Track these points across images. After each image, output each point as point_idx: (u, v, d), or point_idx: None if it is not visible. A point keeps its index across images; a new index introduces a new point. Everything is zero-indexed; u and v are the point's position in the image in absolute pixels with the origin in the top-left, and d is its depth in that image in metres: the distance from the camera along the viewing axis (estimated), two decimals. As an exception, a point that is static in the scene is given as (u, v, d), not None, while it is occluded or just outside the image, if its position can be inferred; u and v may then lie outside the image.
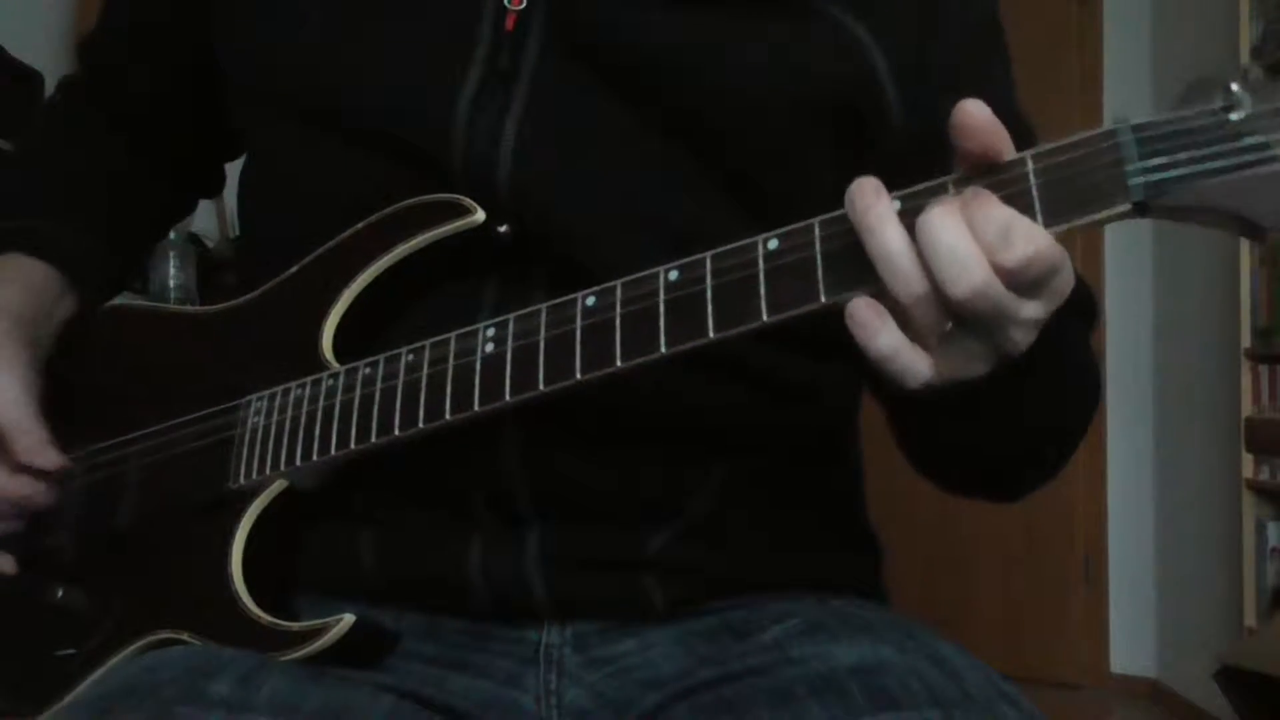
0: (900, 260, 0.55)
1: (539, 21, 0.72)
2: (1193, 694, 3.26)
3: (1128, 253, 3.68)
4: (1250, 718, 2.05)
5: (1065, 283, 0.57)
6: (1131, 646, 3.73)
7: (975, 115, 0.56)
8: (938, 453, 0.74)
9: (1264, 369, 2.87)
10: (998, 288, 0.54)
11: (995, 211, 0.54)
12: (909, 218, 0.56)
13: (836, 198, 0.60)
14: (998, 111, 0.57)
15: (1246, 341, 2.91)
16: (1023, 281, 0.54)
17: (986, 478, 0.76)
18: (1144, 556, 3.71)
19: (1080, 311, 0.70)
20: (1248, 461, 2.88)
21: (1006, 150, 0.57)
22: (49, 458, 0.81)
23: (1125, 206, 0.54)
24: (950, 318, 0.56)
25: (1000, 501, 0.79)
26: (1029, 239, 0.54)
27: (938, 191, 0.57)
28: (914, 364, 0.57)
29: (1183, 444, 3.46)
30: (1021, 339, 0.57)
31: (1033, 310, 0.56)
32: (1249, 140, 0.52)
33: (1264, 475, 2.84)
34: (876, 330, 0.57)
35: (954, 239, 0.54)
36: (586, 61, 0.71)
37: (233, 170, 0.93)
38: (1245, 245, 2.89)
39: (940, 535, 3.65)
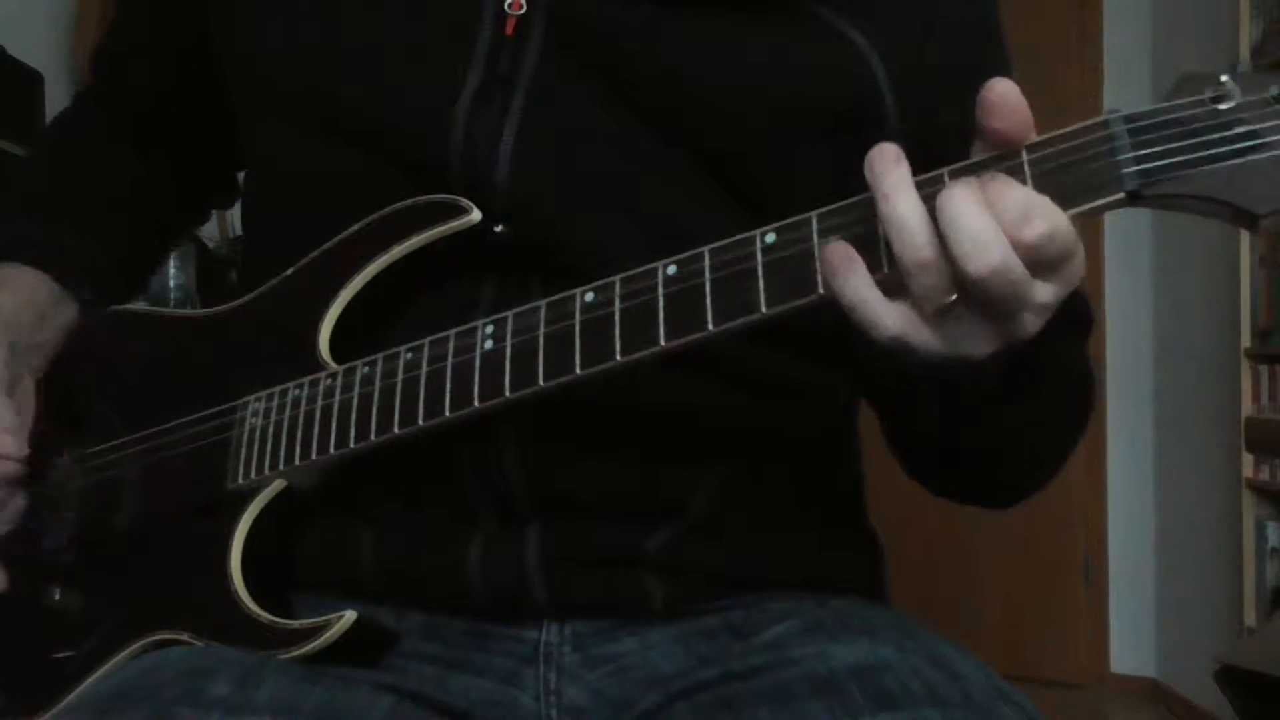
0: (913, 226, 0.55)
1: (539, 25, 0.72)
2: (1193, 694, 3.26)
3: (1127, 253, 3.68)
4: (1250, 718, 2.05)
5: (1078, 268, 0.56)
6: (1131, 646, 3.73)
7: (1007, 94, 0.56)
8: (930, 453, 0.75)
9: (1264, 369, 2.87)
10: (1016, 266, 0.54)
11: (1014, 191, 0.54)
12: (925, 200, 0.56)
13: (835, 199, 0.60)
14: None
15: (1246, 341, 2.91)
16: (1041, 260, 0.54)
17: (977, 481, 0.76)
18: (1144, 556, 3.71)
19: (1076, 321, 0.70)
20: (1248, 461, 2.88)
21: (1031, 132, 0.57)
22: (5, 443, 0.80)
23: (1118, 195, 0.55)
24: (959, 293, 0.55)
25: (991, 508, 0.79)
26: (1047, 216, 0.54)
27: (935, 182, 0.57)
28: (881, 317, 0.56)
29: (1183, 444, 3.46)
30: (1031, 324, 0.56)
31: (1046, 294, 0.55)
32: (1238, 129, 0.53)
33: (1264, 475, 2.84)
34: (845, 275, 0.56)
35: (974, 217, 0.54)
36: (586, 65, 0.71)
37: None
38: (1245, 245, 2.89)
39: (940, 535, 3.64)
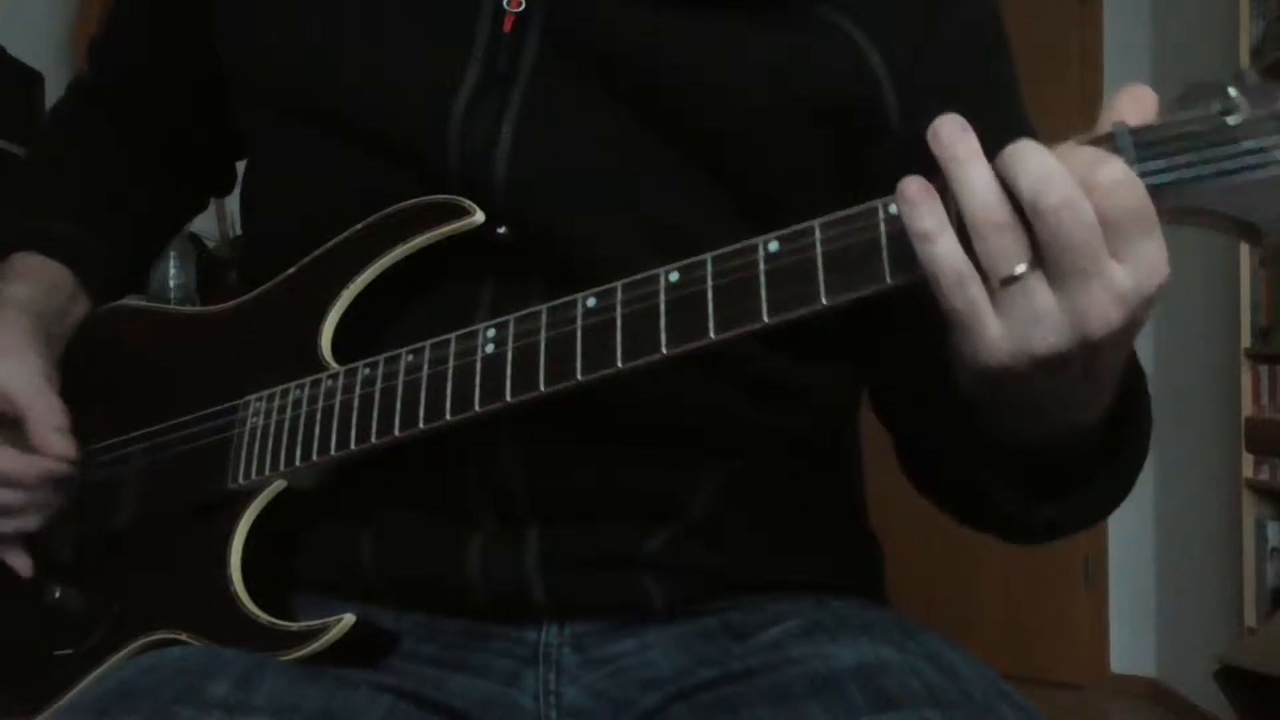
0: (985, 185, 0.53)
1: (537, 23, 0.72)
2: (1193, 694, 3.26)
3: (1128, 253, 3.68)
4: (1250, 718, 2.05)
5: (1156, 258, 0.53)
6: (1131, 646, 3.73)
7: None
8: (955, 484, 0.72)
9: (1264, 369, 2.87)
10: (1086, 209, 0.51)
11: (1084, 149, 0.53)
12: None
13: (836, 199, 0.60)
14: (998, 122, 0.57)
15: (1246, 341, 2.91)
16: (1113, 215, 0.52)
17: (998, 521, 0.72)
18: (1144, 556, 3.71)
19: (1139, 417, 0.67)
20: (1248, 461, 2.88)
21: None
22: (60, 444, 0.80)
23: None
24: (1032, 255, 0.53)
25: (1005, 539, 0.74)
26: (1118, 165, 0.52)
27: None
28: (949, 256, 0.54)
29: (1183, 444, 3.45)
30: (1104, 311, 0.52)
31: (1119, 275, 0.52)
32: (1246, 144, 0.52)
33: (1264, 475, 2.84)
34: (924, 212, 0.54)
35: (1042, 159, 0.52)
36: (584, 63, 0.71)
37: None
38: (1245, 246, 2.89)
39: (940, 536, 3.62)
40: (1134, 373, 0.63)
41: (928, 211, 0.54)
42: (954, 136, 0.55)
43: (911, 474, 0.76)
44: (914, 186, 0.55)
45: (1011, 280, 0.53)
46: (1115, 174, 0.52)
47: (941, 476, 0.74)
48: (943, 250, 0.54)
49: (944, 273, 0.54)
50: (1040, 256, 0.53)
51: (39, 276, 0.86)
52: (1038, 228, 0.52)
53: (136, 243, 0.96)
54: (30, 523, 0.82)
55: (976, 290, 0.54)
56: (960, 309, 0.54)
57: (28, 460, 0.80)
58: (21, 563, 0.82)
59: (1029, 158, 0.53)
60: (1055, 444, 0.62)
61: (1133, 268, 0.53)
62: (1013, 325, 0.54)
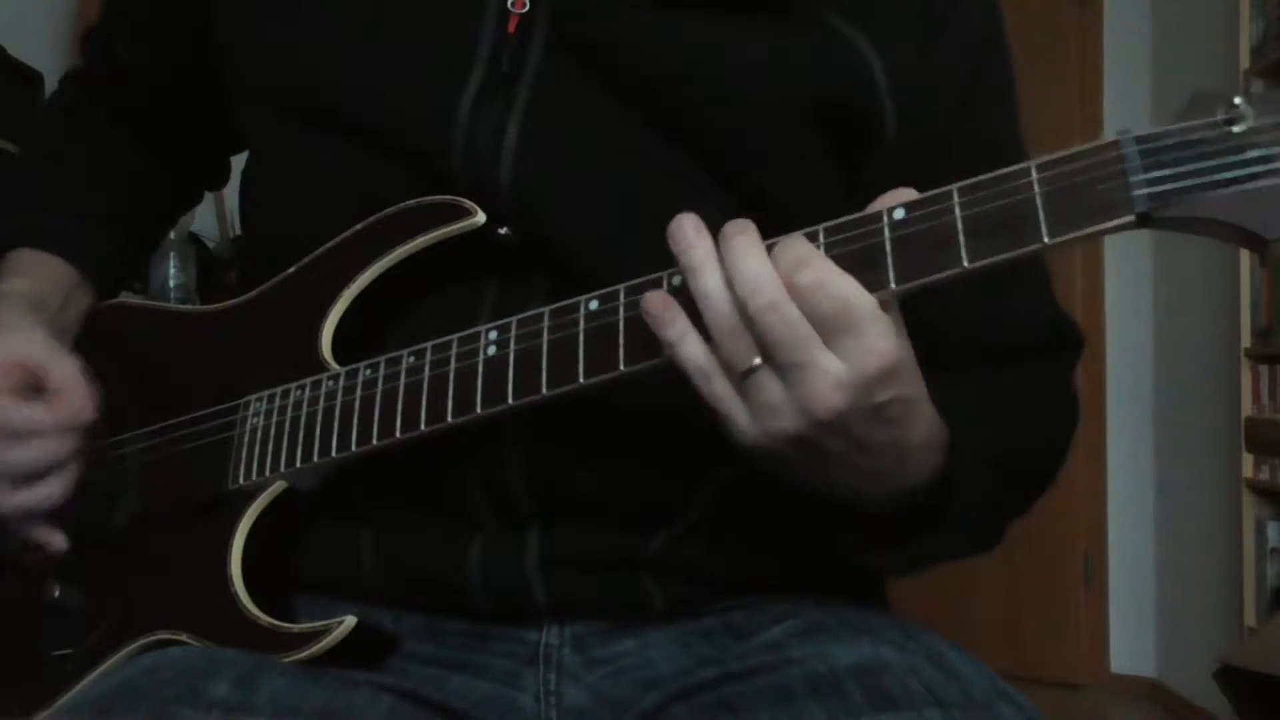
0: (718, 296, 0.58)
1: (541, 24, 0.72)
2: (1193, 694, 3.26)
3: (1128, 254, 3.68)
4: (1250, 718, 2.05)
5: (868, 348, 0.57)
6: (1131, 646, 3.73)
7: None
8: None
9: (1264, 369, 2.87)
10: (792, 310, 0.57)
11: (798, 245, 0.58)
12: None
13: (835, 200, 0.60)
14: (986, 134, 0.60)
15: (1246, 341, 2.91)
16: (818, 313, 0.57)
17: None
18: (1144, 556, 3.71)
19: (1060, 345, 0.72)
20: (1248, 461, 2.88)
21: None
22: (83, 392, 0.78)
23: (1129, 218, 0.54)
24: (759, 349, 0.58)
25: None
26: (819, 270, 0.57)
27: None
28: (695, 357, 0.59)
29: (1183, 444, 3.46)
30: (827, 397, 0.57)
31: (833, 364, 0.57)
32: (1252, 153, 0.52)
33: (1264, 475, 2.84)
34: (666, 321, 0.60)
35: (751, 263, 0.58)
36: (588, 64, 0.71)
37: (235, 169, 0.94)
38: (1245, 246, 2.89)
39: (940, 535, 3.64)
40: (955, 446, 0.66)
41: (669, 321, 0.60)
42: (688, 242, 0.59)
43: None
44: (655, 301, 0.60)
45: (749, 373, 0.58)
46: (814, 277, 0.57)
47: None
48: (687, 353, 0.60)
49: (691, 372, 0.60)
50: (765, 353, 0.58)
51: (40, 271, 0.86)
52: (754, 328, 0.58)
53: (133, 235, 0.96)
54: (55, 491, 0.79)
55: (721, 385, 0.60)
56: (710, 401, 0.60)
57: (54, 407, 0.77)
58: (56, 538, 0.80)
59: (743, 262, 0.58)
60: (865, 508, 0.66)
61: (846, 357, 0.57)
62: (755, 412, 0.59)
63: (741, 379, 0.59)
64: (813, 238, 0.59)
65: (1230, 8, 2.96)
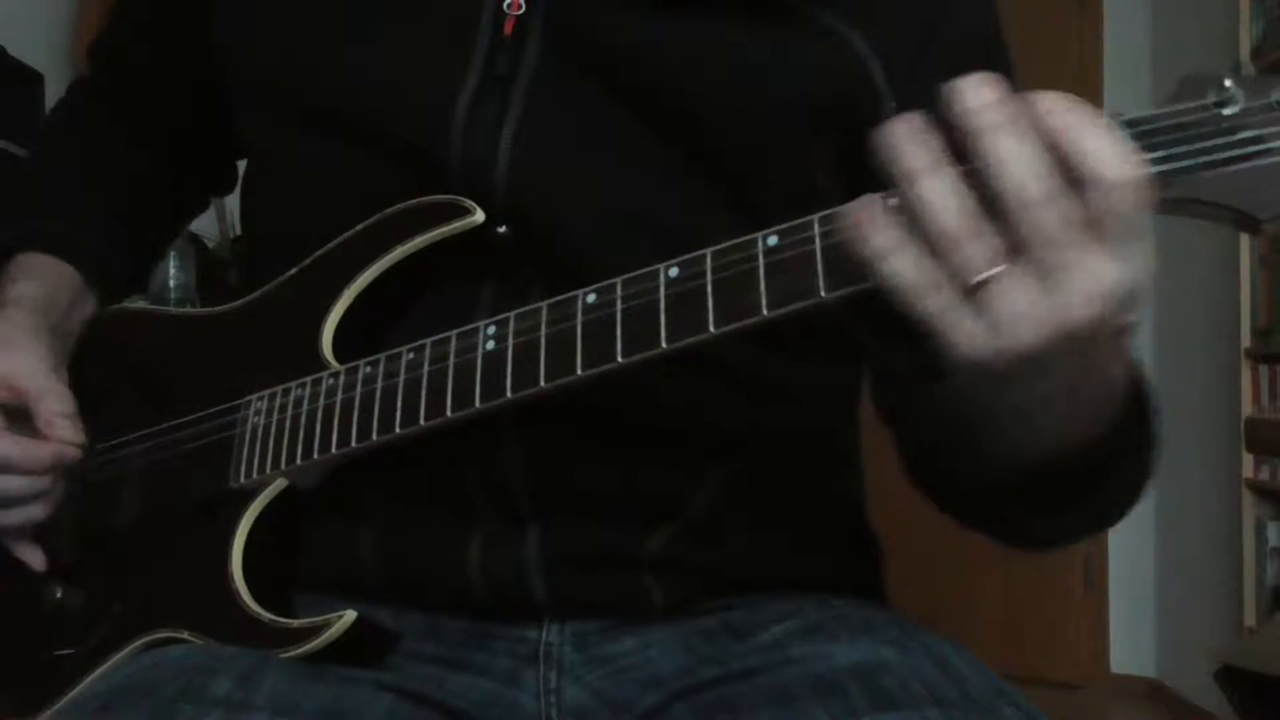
0: (942, 201, 0.50)
1: (537, 25, 0.72)
2: (1193, 694, 3.26)
3: (1127, 253, 3.68)
4: (1250, 718, 2.05)
5: (1137, 256, 0.49)
6: (1131, 646, 3.73)
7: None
8: (955, 487, 0.71)
9: (1264, 369, 2.87)
10: (1069, 201, 0.49)
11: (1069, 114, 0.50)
12: None
13: (836, 202, 0.60)
14: None
15: (1246, 341, 2.92)
16: (1101, 205, 0.48)
17: (993, 525, 0.70)
18: (1144, 556, 3.71)
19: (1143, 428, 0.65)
20: (1248, 461, 2.88)
21: None
22: (67, 429, 0.80)
23: None
24: (1005, 246, 0.50)
25: (1002, 545, 0.72)
26: (1110, 141, 0.49)
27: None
28: (910, 271, 0.51)
29: (1183, 444, 3.45)
30: (1088, 305, 0.49)
31: (1101, 263, 0.49)
32: (1243, 134, 0.53)
33: (1264, 475, 2.84)
34: (879, 228, 0.51)
35: (1020, 146, 0.49)
36: (584, 65, 0.71)
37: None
38: (1245, 246, 2.89)
39: (940, 535, 3.61)
40: (1137, 389, 0.61)
41: (880, 227, 0.51)
42: (904, 147, 0.52)
43: (910, 471, 0.76)
44: (862, 210, 0.52)
45: (982, 283, 0.50)
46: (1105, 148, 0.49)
47: (940, 477, 0.74)
48: (899, 267, 0.51)
49: (902, 290, 0.51)
50: (1016, 253, 0.50)
51: (44, 276, 0.86)
52: (1009, 225, 0.49)
53: (140, 241, 0.96)
54: (36, 512, 0.81)
55: (938, 300, 0.51)
56: (921, 317, 0.51)
57: (35, 445, 0.79)
58: (34, 556, 0.82)
59: (1010, 154, 0.49)
60: (1052, 457, 0.61)
61: (1114, 258, 0.49)
62: (988, 326, 0.50)
63: (972, 290, 0.50)
64: (806, 227, 0.59)
65: (1230, 8, 2.96)
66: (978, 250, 0.50)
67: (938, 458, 0.71)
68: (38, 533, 0.82)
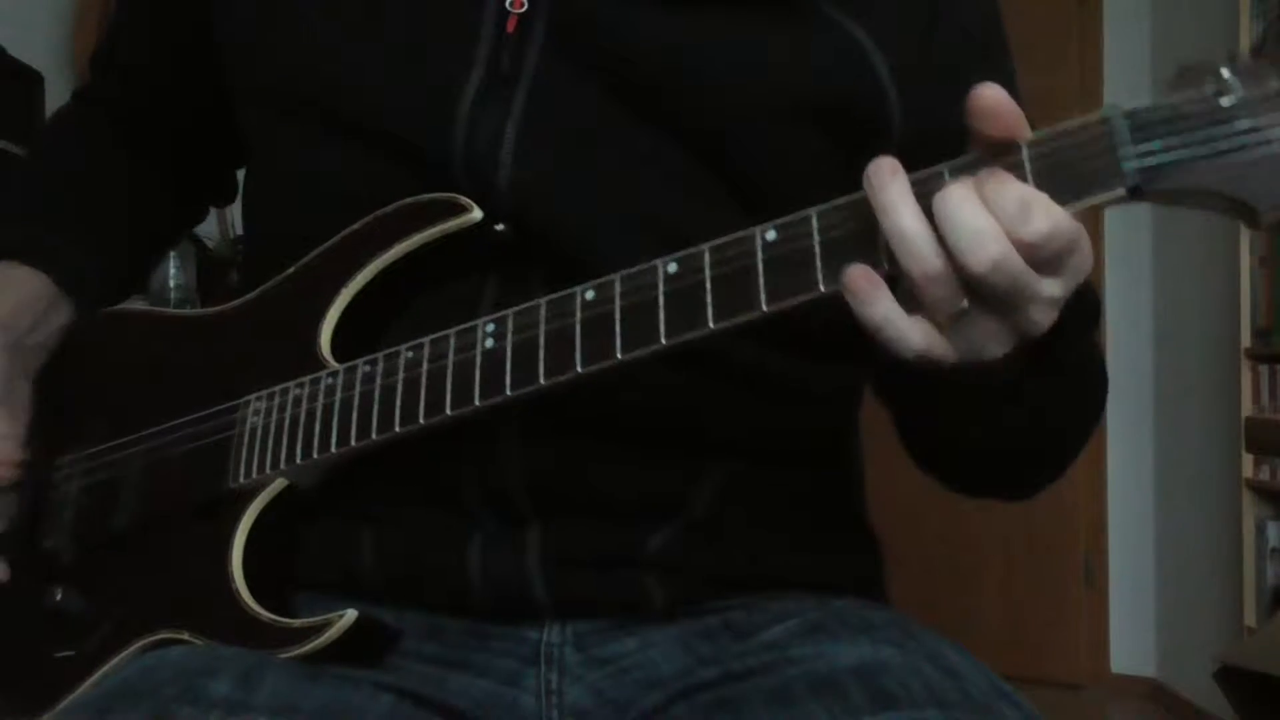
0: (916, 239, 0.55)
1: (540, 24, 0.72)
2: (1193, 694, 3.26)
3: (1128, 253, 3.68)
4: (1250, 718, 2.05)
5: (1084, 261, 0.56)
6: (1131, 646, 3.73)
7: (992, 98, 0.56)
8: (950, 451, 0.74)
9: (1264, 369, 2.87)
10: (1016, 262, 0.54)
11: (1011, 188, 0.54)
12: (923, 200, 0.56)
13: (838, 197, 0.60)
14: None
15: (1246, 341, 2.91)
16: (1042, 257, 0.54)
17: (998, 474, 0.76)
18: (1144, 556, 3.71)
19: (1085, 308, 0.69)
20: (1248, 461, 2.88)
21: (1025, 133, 0.57)
22: (5, 449, 0.81)
23: (1119, 191, 0.55)
24: (967, 295, 0.55)
25: (1005, 499, 0.80)
26: (1048, 214, 0.54)
27: (935, 178, 0.57)
28: (906, 333, 0.56)
29: (1183, 444, 3.46)
30: (1041, 318, 0.56)
31: (1052, 288, 0.55)
32: (1240, 124, 0.53)
33: (1264, 475, 2.84)
34: (871, 299, 0.56)
35: (972, 214, 0.54)
36: (587, 63, 0.71)
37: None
38: (1245, 245, 2.89)
39: (941, 535, 3.64)
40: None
41: (874, 299, 0.56)
42: (882, 181, 0.56)
43: (910, 448, 0.77)
44: (858, 276, 0.56)
45: (953, 315, 0.56)
46: (1041, 228, 0.54)
47: (940, 444, 0.75)
48: (878, 311, 0.56)
49: (880, 330, 0.57)
50: (976, 295, 0.55)
51: (15, 286, 0.86)
52: (970, 285, 0.55)
53: (134, 248, 0.96)
54: None
55: (920, 332, 0.56)
56: (921, 350, 0.57)
57: None
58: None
59: (956, 213, 0.54)
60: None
61: (1064, 277, 0.56)
62: (961, 344, 0.57)
63: (944, 319, 0.56)
64: (804, 221, 0.59)
65: (1230, 9, 2.96)
66: (945, 292, 0.55)
67: (928, 421, 0.73)
68: (34, 540, 0.82)
